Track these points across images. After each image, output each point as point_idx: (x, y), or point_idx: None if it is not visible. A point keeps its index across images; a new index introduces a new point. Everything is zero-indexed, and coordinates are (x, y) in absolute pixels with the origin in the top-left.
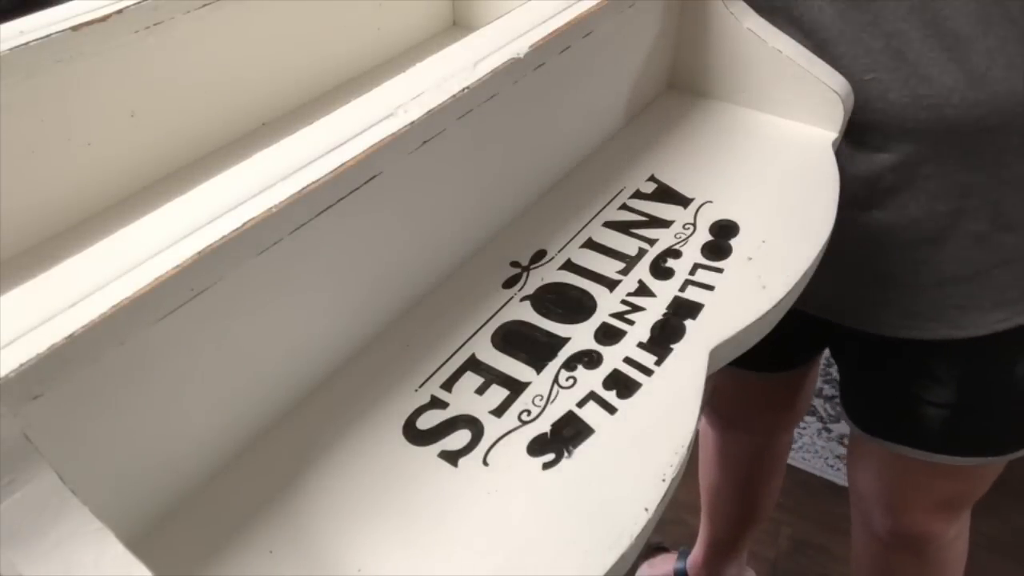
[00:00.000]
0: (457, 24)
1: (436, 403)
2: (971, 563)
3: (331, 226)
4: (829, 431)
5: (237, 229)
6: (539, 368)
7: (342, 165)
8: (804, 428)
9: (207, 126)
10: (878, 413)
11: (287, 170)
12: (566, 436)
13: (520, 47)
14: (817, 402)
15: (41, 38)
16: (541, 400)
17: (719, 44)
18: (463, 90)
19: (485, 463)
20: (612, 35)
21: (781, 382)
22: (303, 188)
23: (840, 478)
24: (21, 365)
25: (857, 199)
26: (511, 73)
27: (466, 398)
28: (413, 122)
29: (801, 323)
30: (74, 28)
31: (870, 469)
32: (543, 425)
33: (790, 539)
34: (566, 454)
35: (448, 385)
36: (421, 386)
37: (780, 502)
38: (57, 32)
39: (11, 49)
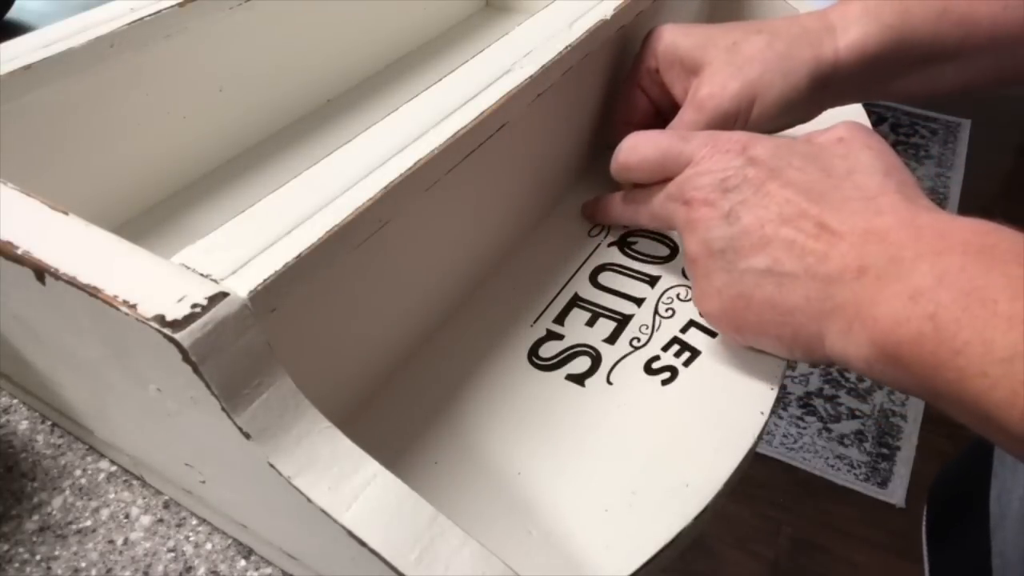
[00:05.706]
0: (490, 5)
1: (552, 335)
2: None
3: (470, 170)
4: (829, 431)
5: (410, 168)
6: (639, 302)
7: (482, 114)
8: (804, 428)
9: (281, 102)
10: None
11: (434, 119)
12: (676, 357)
13: (605, 10)
14: (817, 402)
15: (153, 13)
16: (647, 329)
17: (753, 12)
18: (566, 48)
19: (609, 382)
20: (670, 5)
21: None
22: (456, 133)
23: (840, 478)
24: (265, 280)
25: None
26: (599, 34)
27: (579, 330)
28: (532, 76)
29: None
30: (180, 5)
31: None
32: (654, 349)
33: (790, 539)
34: (680, 372)
35: (559, 320)
36: (535, 321)
37: (780, 502)
38: (167, 8)
39: (128, 24)
